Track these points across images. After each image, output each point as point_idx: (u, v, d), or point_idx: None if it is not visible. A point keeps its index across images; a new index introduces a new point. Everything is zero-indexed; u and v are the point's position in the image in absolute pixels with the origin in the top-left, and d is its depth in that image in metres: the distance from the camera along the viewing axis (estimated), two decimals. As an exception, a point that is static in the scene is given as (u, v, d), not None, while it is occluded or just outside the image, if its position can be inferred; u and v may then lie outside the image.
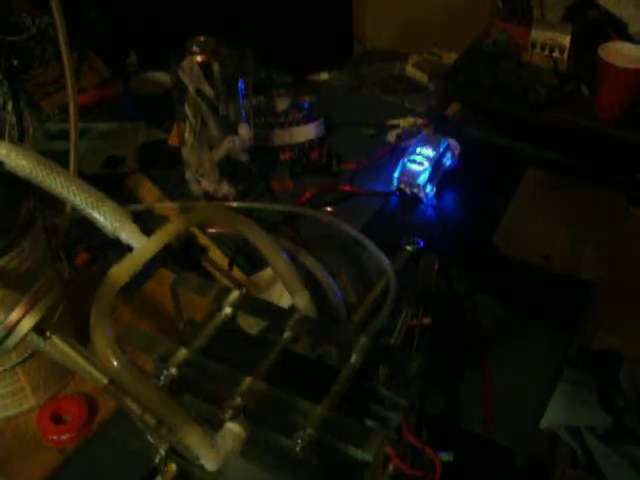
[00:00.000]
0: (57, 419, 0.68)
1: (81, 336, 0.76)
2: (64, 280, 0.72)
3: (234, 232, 0.86)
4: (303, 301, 0.51)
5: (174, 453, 0.52)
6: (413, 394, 0.45)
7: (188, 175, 0.92)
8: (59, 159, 0.98)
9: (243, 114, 0.89)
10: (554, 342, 0.80)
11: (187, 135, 0.87)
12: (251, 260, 0.86)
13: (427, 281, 0.80)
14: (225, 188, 0.90)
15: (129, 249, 0.47)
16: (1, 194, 0.63)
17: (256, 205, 0.90)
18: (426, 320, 0.76)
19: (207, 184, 0.90)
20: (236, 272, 0.84)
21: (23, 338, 0.40)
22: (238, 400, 0.43)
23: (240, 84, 0.85)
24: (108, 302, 0.43)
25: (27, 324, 0.40)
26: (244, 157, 0.90)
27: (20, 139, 1.03)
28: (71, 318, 0.72)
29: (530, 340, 0.80)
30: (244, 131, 0.89)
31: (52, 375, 0.71)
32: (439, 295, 0.78)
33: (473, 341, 0.79)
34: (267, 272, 0.84)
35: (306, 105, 1.00)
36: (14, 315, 0.40)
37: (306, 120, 0.99)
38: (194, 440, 0.43)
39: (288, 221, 0.90)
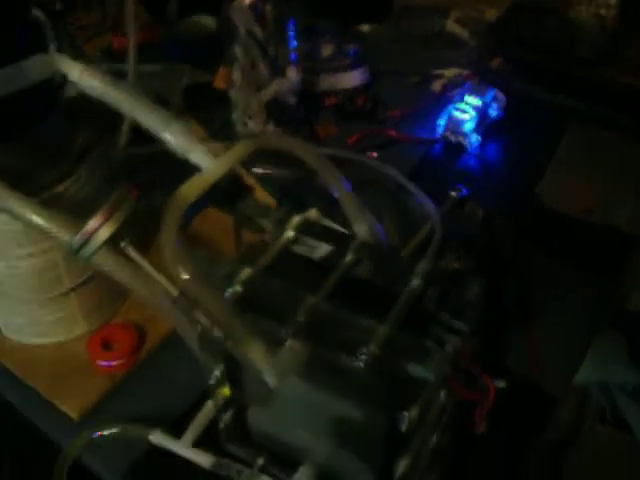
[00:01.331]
0: (107, 346, 0.70)
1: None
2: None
3: (279, 172, 0.89)
4: (363, 229, 0.52)
5: (228, 377, 0.54)
6: (472, 318, 0.46)
7: (235, 116, 0.92)
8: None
9: (292, 56, 0.89)
10: (592, 297, 0.80)
11: (236, 76, 0.87)
12: (297, 202, 0.86)
13: (471, 227, 0.81)
14: (271, 129, 0.91)
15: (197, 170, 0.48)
16: (59, 121, 0.64)
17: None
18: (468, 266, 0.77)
19: (254, 125, 0.91)
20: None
21: (100, 247, 0.41)
22: (301, 318, 0.44)
23: (290, 26, 0.85)
24: (177, 218, 0.44)
25: (105, 232, 0.41)
26: (292, 99, 0.90)
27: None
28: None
29: (569, 292, 0.80)
30: (292, 73, 0.89)
31: (103, 302, 0.72)
32: (482, 242, 0.78)
33: (514, 288, 0.79)
34: (312, 213, 0.84)
35: (352, 52, 1.00)
36: (91, 224, 0.41)
37: (352, 66, 0.99)
38: (257, 355, 0.44)
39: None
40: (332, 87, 0.99)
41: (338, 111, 0.97)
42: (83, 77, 0.48)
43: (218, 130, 0.95)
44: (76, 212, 0.64)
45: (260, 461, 0.58)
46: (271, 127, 0.91)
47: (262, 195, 0.86)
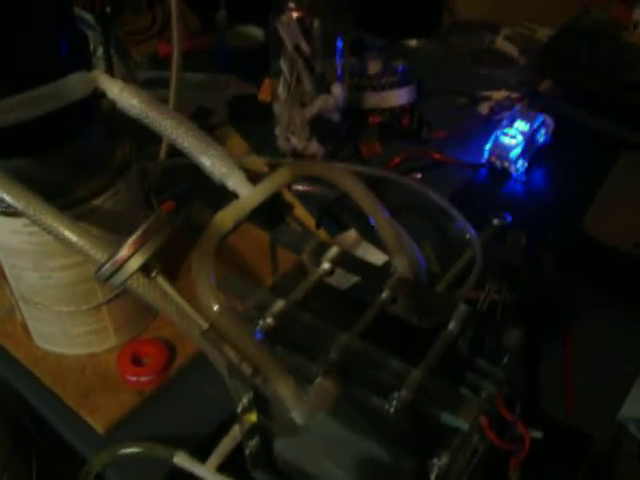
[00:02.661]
0: (136, 361, 0.69)
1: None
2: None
3: (320, 191, 0.87)
4: (402, 263, 0.50)
5: (256, 404, 0.53)
6: (510, 366, 0.44)
7: (278, 131, 0.91)
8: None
9: (339, 73, 0.87)
10: (637, 333, 0.77)
11: (280, 91, 0.87)
12: (336, 221, 0.85)
13: (513, 256, 0.79)
14: (314, 146, 0.90)
15: (234, 196, 0.47)
16: (98, 134, 0.63)
17: (344, 166, 0.89)
18: (509, 296, 0.75)
19: (296, 141, 0.90)
20: (321, 232, 0.83)
21: (130, 276, 0.40)
22: (333, 355, 0.43)
23: (338, 42, 0.84)
24: (211, 247, 0.43)
25: (136, 262, 0.40)
26: (336, 117, 0.89)
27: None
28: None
29: (614, 327, 0.77)
30: (338, 90, 0.88)
31: (135, 317, 0.72)
32: (524, 271, 0.76)
33: (556, 321, 0.77)
34: (351, 234, 0.84)
35: (400, 69, 0.99)
36: (124, 252, 0.40)
37: (399, 84, 0.98)
38: (287, 392, 0.43)
39: (374, 185, 0.88)
40: (378, 105, 0.98)
41: (383, 130, 0.96)
42: (122, 95, 0.48)
43: (261, 144, 0.95)
44: (112, 226, 0.64)
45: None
46: (314, 144, 0.90)
47: (301, 213, 0.85)
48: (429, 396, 0.41)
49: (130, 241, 0.40)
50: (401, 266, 0.51)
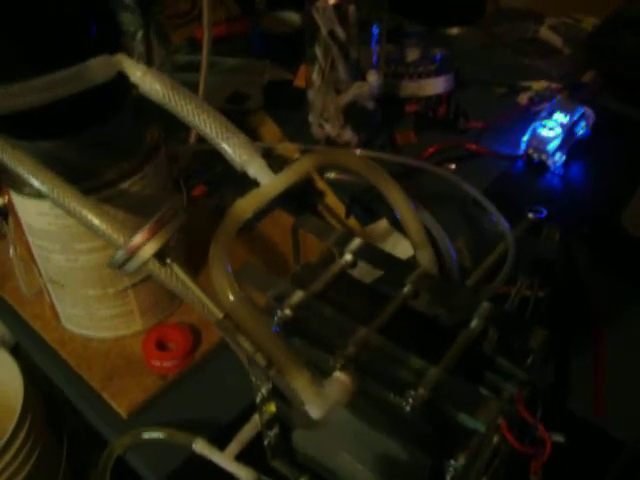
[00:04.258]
0: (161, 346, 0.70)
1: (190, 267, 0.77)
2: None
3: (352, 179, 0.86)
4: (426, 257, 0.49)
5: (275, 395, 0.52)
6: (534, 368, 0.43)
7: (311, 118, 0.90)
8: (187, 87, 0.98)
9: (374, 60, 0.86)
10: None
11: (315, 77, 0.86)
12: (367, 210, 0.84)
13: (547, 252, 0.77)
14: (348, 134, 0.89)
15: (255, 184, 0.46)
16: (129, 118, 0.63)
17: (377, 155, 0.88)
18: (541, 292, 0.73)
19: (330, 128, 0.89)
20: (351, 221, 0.82)
21: (144, 263, 0.40)
22: (351, 349, 0.42)
23: (374, 29, 0.83)
24: (229, 236, 0.43)
25: (149, 250, 0.40)
26: (370, 105, 0.88)
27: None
28: (184, 248, 0.73)
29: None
30: (373, 78, 0.86)
31: (161, 301, 0.72)
32: (558, 267, 0.74)
33: (588, 319, 0.75)
34: (382, 224, 0.82)
35: (438, 57, 0.97)
36: (137, 239, 0.39)
37: (437, 73, 0.96)
38: (301, 385, 0.42)
39: (408, 174, 0.87)
40: (414, 94, 0.96)
41: (418, 119, 0.94)
42: (145, 79, 0.47)
43: (295, 130, 0.94)
44: (139, 209, 0.64)
45: (302, 481, 0.57)
46: (348, 132, 0.88)
47: (332, 201, 0.84)
48: (446, 395, 0.40)
49: (144, 229, 0.40)
50: (425, 260, 0.50)
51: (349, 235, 0.49)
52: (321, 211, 0.83)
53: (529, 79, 1.03)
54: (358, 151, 0.87)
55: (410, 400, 0.40)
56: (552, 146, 0.86)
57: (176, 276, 0.42)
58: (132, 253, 0.40)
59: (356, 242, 0.49)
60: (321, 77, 0.85)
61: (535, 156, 0.88)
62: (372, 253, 0.48)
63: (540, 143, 0.87)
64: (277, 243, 0.81)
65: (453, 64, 0.99)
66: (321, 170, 0.87)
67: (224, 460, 0.59)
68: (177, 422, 0.64)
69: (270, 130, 0.93)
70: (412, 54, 0.98)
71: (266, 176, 0.45)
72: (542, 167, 0.88)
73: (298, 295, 0.45)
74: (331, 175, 0.87)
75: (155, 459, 0.63)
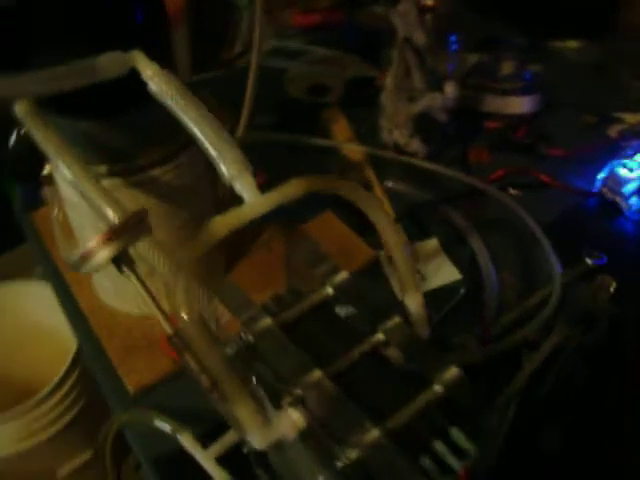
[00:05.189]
0: (181, 330, 0.70)
1: (231, 260, 0.78)
2: (219, 201, 0.72)
3: (411, 191, 0.84)
4: (414, 303, 0.47)
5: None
6: (488, 446, 0.40)
7: (382, 122, 0.88)
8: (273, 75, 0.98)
9: (452, 71, 0.82)
10: None
11: (389, 81, 0.83)
12: (419, 226, 0.82)
13: (596, 304, 0.72)
14: (416, 144, 0.86)
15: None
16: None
17: (442, 170, 0.85)
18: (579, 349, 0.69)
19: (399, 136, 0.86)
20: (399, 234, 0.80)
21: (97, 268, 0.40)
22: (298, 392, 0.41)
23: (452, 38, 0.79)
24: (198, 253, 0.42)
25: (102, 256, 0.40)
26: (443, 117, 0.84)
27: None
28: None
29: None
30: (450, 89, 0.83)
31: (188, 286, 0.73)
32: (603, 324, 0.69)
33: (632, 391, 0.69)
34: (432, 243, 0.80)
35: (528, 76, 0.91)
36: (92, 244, 0.39)
37: (525, 91, 0.90)
38: (244, 414, 0.41)
39: (471, 193, 0.83)
40: (496, 110, 0.91)
41: (495, 137, 0.89)
42: (154, 79, 0.47)
43: (368, 131, 0.91)
44: (171, 199, 0.64)
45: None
46: (416, 141, 0.85)
47: (387, 210, 0.82)
48: (379, 463, 0.38)
49: (101, 234, 0.40)
50: (413, 306, 0.47)
51: (337, 267, 0.47)
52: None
53: (631, 110, 0.95)
54: (423, 163, 0.84)
55: (342, 457, 0.38)
56: (629, 188, 0.80)
57: (133, 284, 0.41)
58: (85, 257, 0.40)
59: (342, 276, 0.47)
60: (394, 82, 0.82)
61: (609, 196, 0.82)
62: (353, 291, 0.46)
63: (616, 183, 0.80)
64: (321, 245, 0.80)
65: (544, 83, 0.93)
66: (382, 177, 0.85)
67: (203, 458, 0.59)
68: (179, 409, 0.65)
69: (341, 128, 0.92)
70: (506, 67, 0.93)
71: (251, 195, 0.44)
72: (615, 209, 0.82)
73: (265, 322, 0.44)
74: (389, 184, 0.84)
75: (146, 441, 0.64)
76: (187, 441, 0.60)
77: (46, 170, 0.71)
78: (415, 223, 0.81)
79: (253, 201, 0.44)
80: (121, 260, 0.41)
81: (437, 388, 0.41)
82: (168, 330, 0.41)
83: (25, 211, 0.87)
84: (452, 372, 0.42)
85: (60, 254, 0.77)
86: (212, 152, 0.45)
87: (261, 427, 0.42)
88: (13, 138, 0.77)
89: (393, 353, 0.44)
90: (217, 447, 0.60)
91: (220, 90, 1.00)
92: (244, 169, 0.45)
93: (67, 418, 1.09)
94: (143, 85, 0.57)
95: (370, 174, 0.86)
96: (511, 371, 0.68)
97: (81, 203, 0.62)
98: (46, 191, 0.77)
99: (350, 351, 0.43)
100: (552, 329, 0.69)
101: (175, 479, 0.63)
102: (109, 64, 0.46)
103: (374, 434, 0.39)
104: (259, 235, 0.80)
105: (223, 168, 0.45)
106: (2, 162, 0.81)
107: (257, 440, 0.42)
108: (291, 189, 0.44)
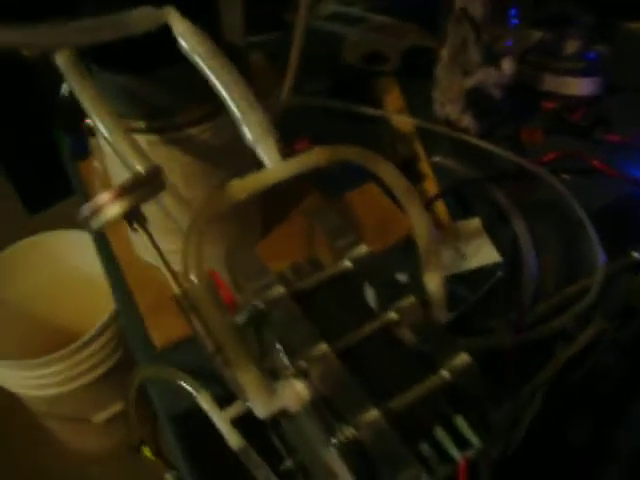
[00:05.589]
0: (213, 290, 0.70)
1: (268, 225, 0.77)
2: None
3: (459, 167, 0.81)
4: (434, 282, 0.45)
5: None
6: (493, 441, 0.39)
7: (435, 95, 0.85)
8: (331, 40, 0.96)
9: (510, 46, 0.79)
10: None
11: (443, 53, 0.80)
12: (462, 204, 0.80)
13: (638, 299, 0.69)
14: (467, 120, 0.83)
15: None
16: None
17: (494, 148, 0.82)
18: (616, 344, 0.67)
19: (451, 110, 0.84)
20: (442, 211, 0.78)
21: (107, 224, 0.40)
22: (303, 364, 0.40)
23: (512, 12, 0.76)
24: (212, 213, 0.41)
25: (112, 211, 0.39)
26: (497, 93, 0.81)
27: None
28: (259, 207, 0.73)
29: None
30: (507, 66, 0.80)
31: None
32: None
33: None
34: (474, 222, 0.78)
35: (592, 56, 0.87)
36: (101, 198, 0.39)
37: (586, 73, 0.86)
38: (247, 380, 0.41)
39: (519, 174, 0.81)
40: (554, 90, 0.88)
41: (550, 118, 0.86)
42: (186, 35, 0.46)
43: (421, 103, 0.89)
44: (209, 158, 0.64)
45: (287, 463, 0.56)
46: (468, 117, 0.83)
47: (430, 186, 0.80)
48: (374, 444, 0.37)
49: (112, 189, 0.39)
50: (432, 285, 0.46)
51: (358, 241, 0.46)
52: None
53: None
54: (473, 139, 0.82)
55: (337, 434, 0.37)
56: (687, 180, 0.76)
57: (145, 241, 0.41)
58: (95, 212, 0.40)
59: (361, 250, 0.46)
60: (449, 55, 0.79)
61: (664, 186, 0.78)
62: (372, 266, 0.45)
63: (674, 173, 0.77)
64: (361, 216, 0.79)
65: (609, 66, 0.88)
66: (430, 151, 0.83)
67: (218, 419, 0.59)
68: (203, 368, 0.65)
69: (394, 99, 0.90)
70: (570, 46, 0.89)
71: (272, 160, 0.43)
72: (671, 201, 0.78)
73: (278, 290, 0.44)
74: (437, 158, 0.82)
75: (166, 397, 0.65)
76: (205, 401, 0.61)
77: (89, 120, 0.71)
78: (459, 201, 0.79)
79: (273, 166, 0.43)
80: (133, 216, 0.41)
81: (444, 374, 0.40)
82: (176, 290, 0.41)
83: (73, 161, 0.88)
84: (462, 359, 0.40)
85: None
86: (236, 114, 0.45)
87: (264, 395, 0.41)
88: (63, 87, 0.78)
89: (405, 334, 0.43)
90: (233, 409, 0.61)
91: (279, 53, 0.99)
92: (267, 133, 0.44)
93: (105, 366, 1.11)
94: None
95: (418, 147, 0.84)
96: (543, 360, 0.67)
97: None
98: (91, 140, 0.77)
99: (361, 327, 0.43)
100: (590, 320, 0.67)
101: (192, 437, 0.64)
102: (141, 18, 0.46)
103: (373, 414, 0.38)
104: (299, 203, 0.80)
105: (246, 131, 0.44)
106: (52, 112, 0.82)
107: (259, 408, 0.42)
108: (313, 157, 0.43)
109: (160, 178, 0.42)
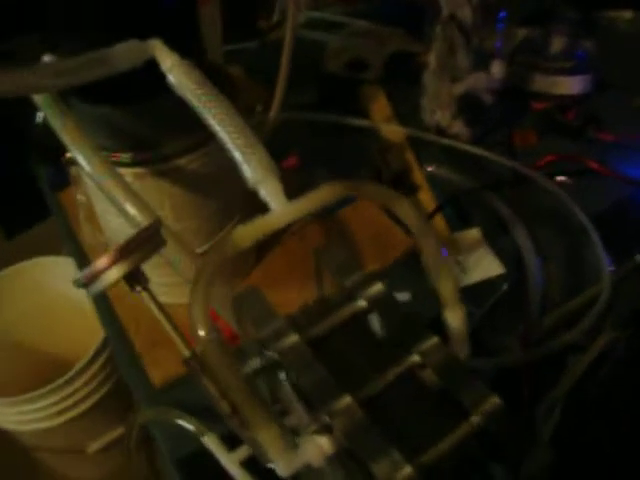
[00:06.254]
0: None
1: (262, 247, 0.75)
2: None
3: (454, 177, 0.79)
4: (456, 320, 0.43)
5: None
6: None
7: (424, 102, 0.83)
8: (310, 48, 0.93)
9: (499, 49, 0.77)
10: None
11: (432, 59, 0.78)
12: (461, 214, 0.77)
13: (646, 302, 0.68)
14: (459, 126, 0.81)
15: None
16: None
17: (488, 154, 0.80)
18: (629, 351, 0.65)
19: (441, 117, 0.81)
20: (440, 223, 0.76)
21: (107, 288, 0.37)
22: (326, 419, 0.38)
23: (502, 15, 0.73)
24: (219, 265, 0.39)
25: (113, 275, 0.37)
26: (488, 98, 0.79)
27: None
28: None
29: None
30: (497, 70, 0.78)
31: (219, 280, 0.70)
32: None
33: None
34: (473, 233, 0.75)
35: (580, 54, 0.85)
36: (99, 263, 0.37)
37: (574, 71, 0.85)
38: (268, 439, 0.38)
39: (516, 181, 0.79)
40: (544, 90, 0.86)
41: (542, 119, 0.84)
42: (174, 71, 0.43)
43: (409, 111, 0.87)
44: (198, 188, 0.61)
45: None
46: (459, 124, 0.81)
47: (426, 197, 0.78)
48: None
49: (110, 252, 0.37)
50: (454, 323, 0.43)
51: (372, 278, 0.44)
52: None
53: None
54: (465, 146, 0.79)
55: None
56: (687, 178, 0.75)
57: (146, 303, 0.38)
58: (94, 277, 0.37)
59: (377, 288, 0.43)
60: (437, 61, 0.77)
61: (665, 186, 0.76)
62: (389, 306, 0.43)
63: (674, 172, 0.75)
64: (357, 232, 0.76)
65: (596, 62, 0.86)
66: (423, 160, 0.81)
67: (227, 462, 0.57)
68: (205, 407, 0.63)
69: (380, 107, 0.87)
70: (557, 44, 0.87)
71: (279, 203, 0.41)
72: (672, 201, 0.77)
73: (291, 339, 0.41)
74: (430, 168, 0.80)
75: (171, 440, 0.62)
76: (212, 443, 0.58)
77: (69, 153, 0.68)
78: (457, 211, 0.77)
79: (280, 210, 0.41)
80: (133, 279, 0.38)
81: (475, 419, 0.38)
82: (185, 352, 0.38)
83: (52, 190, 0.85)
84: (492, 402, 0.38)
85: (84, 237, 0.75)
86: (235, 153, 0.42)
87: (287, 454, 0.39)
88: (38, 116, 0.75)
89: (429, 376, 0.40)
90: (243, 451, 0.58)
91: (254, 62, 0.96)
92: (270, 173, 0.41)
93: (97, 396, 1.08)
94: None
95: (410, 157, 0.81)
96: (554, 374, 0.65)
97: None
98: (72, 171, 0.74)
99: (383, 373, 0.40)
100: (600, 330, 0.66)
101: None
102: (125, 54, 0.43)
103: (407, 470, 0.35)
104: (291, 224, 0.77)
105: (247, 171, 0.42)
106: (27, 142, 0.79)
107: (282, 467, 0.40)
108: (321, 196, 0.41)
109: (160, 234, 0.39)
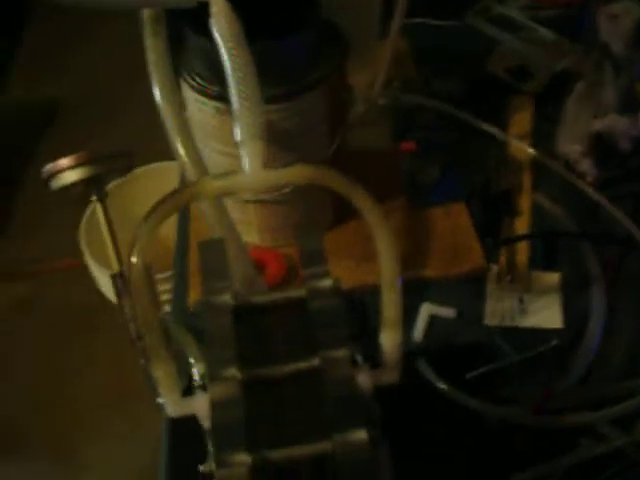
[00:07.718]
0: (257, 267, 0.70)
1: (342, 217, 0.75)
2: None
3: (560, 216, 0.73)
4: (391, 343, 0.41)
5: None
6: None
7: (559, 129, 0.77)
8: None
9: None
10: None
11: (579, 86, 0.72)
12: (548, 255, 0.72)
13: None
14: (587, 165, 0.75)
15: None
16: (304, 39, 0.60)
17: (607, 204, 0.73)
18: None
19: (570, 149, 0.76)
20: (522, 254, 0.71)
21: (60, 189, 0.40)
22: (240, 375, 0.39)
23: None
24: (175, 204, 0.39)
25: (68, 177, 0.39)
26: (626, 145, 0.72)
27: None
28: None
29: None
30: (644, 117, 0.70)
31: (279, 228, 0.72)
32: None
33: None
34: (553, 277, 0.70)
35: None
36: (62, 162, 0.39)
37: None
38: (162, 374, 0.40)
39: (624, 241, 0.72)
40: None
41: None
42: (216, 16, 0.45)
43: (548, 135, 0.80)
44: (279, 139, 0.62)
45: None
46: (587, 163, 0.74)
47: (523, 225, 0.74)
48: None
49: (75, 155, 0.39)
50: (387, 344, 0.42)
51: (326, 273, 0.43)
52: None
53: None
54: (587, 188, 0.73)
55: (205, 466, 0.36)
56: None
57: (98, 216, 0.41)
58: (53, 173, 0.40)
59: (325, 283, 0.43)
60: (586, 89, 0.71)
61: None
62: (326, 302, 0.42)
63: None
64: (434, 235, 0.74)
65: None
66: (537, 186, 0.76)
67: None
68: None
69: (521, 121, 0.83)
70: None
71: (253, 167, 0.41)
72: None
73: (225, 299, 0.42)
74: (540, 195, 0.75)
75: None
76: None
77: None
78: (546, 249, 0.72)
79: (251, 174, 0.41)
80: (92, 187, 0.41)
81: (335, 443, 0.36)
82: (115, 267, 0.40)
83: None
84: (358, 435, 0.36)
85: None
86: (234, 107, 0.43)
87: (175, 394, 0.41)
88: None
89: (325, 385, 0.40)
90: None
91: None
92: (256, 136, 0.42)
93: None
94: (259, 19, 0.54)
95: (526, 180, 0.77)
96: (555, 448, 0.59)
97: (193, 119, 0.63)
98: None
99: (287, 363, 0.40)
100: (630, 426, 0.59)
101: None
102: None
103: (243, 458, 0.36)
104: (380, 202, 0.76)
105: (236, 128, 0.42)
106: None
107: (170, 406, 0.42)
108: (292, 174, 0.40)
109: (126, 161, 0.41)
